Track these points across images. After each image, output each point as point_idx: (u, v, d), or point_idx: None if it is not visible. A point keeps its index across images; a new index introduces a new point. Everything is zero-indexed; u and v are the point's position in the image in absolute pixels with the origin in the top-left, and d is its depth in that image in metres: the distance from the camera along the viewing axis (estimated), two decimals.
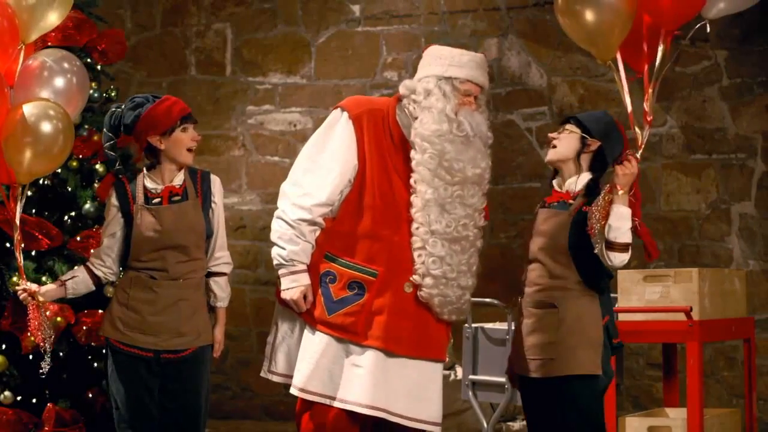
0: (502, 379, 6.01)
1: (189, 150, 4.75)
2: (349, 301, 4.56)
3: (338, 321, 4.56)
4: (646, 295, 5.84)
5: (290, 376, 4.67)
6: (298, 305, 4.58)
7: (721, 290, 5.98)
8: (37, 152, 4.70)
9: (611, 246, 4.35)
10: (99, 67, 6.25)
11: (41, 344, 4.83)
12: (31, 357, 5.68)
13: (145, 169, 4.82)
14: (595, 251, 4.38)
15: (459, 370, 6.76)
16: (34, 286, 4.80)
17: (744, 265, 7.48)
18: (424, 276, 4.54)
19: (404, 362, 4.58)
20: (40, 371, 4.92)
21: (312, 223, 4.60)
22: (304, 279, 4.59)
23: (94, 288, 4.91)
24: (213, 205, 4.82)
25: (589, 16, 4.68)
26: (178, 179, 4.81)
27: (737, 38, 7.57)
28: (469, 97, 4.63)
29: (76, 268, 4.95)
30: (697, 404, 5.58)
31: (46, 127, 4.69)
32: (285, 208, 4.64)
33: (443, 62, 4.65)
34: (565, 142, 4.55)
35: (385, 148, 4.62)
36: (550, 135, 4.58)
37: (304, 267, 4.61)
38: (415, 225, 4.56)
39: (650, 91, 4.52)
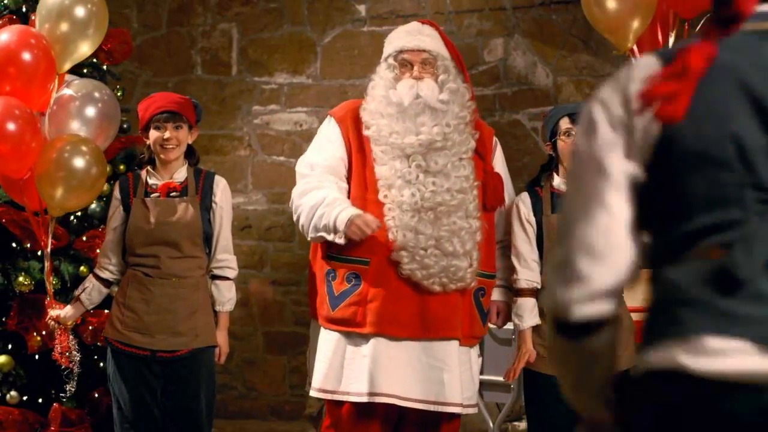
0: None
1: (163, 147, 4.78)
2: (348, 293, 4.58)
3: (341, 315, 4.58)
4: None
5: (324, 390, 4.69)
6: (364, 226, 4.44)
7: None
8: (70, 187, 4.81)
9: None
10: (105, 67, 6.27)
11: (69, 367, 4.90)
12: (37, 357, 5.69)
13: (148, 165, 4.87)
14: None
15: None
16: (55, 313, 4.86)
17: None
18: (400, 250, 4.53)
19: (409, 345, 4.55)
20: (63, 395, 5.01)
21: (323, 170, 4.63)
22: (350, 209, 4.49)
23: (107, 291, 4.96)
24: (213, 204, 4.83)
25: (612, 4, 4.78)
26: (180, 176, 4.84)
27: None
28: (407, 66, 4.67)
29: (85, 280, 5.00)
30: None
31: (79, 162, 4.80)
32: (295, 193, 4.67)
33: (385, 47, 4.77)
34: None
35: (364, 139, 4.68)
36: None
37: (345, 204, 4.53)
38: (385, 204, 4.57)
39: None
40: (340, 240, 4.48)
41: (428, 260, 4.51)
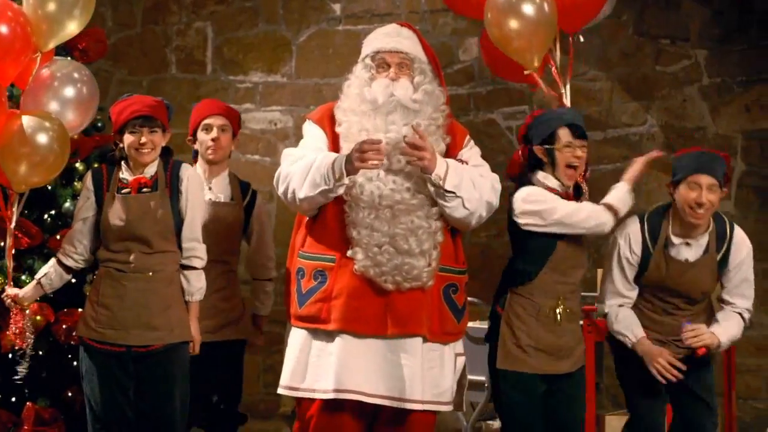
0: (483, 378, 6.01)
1: (138, 150, 4.77)
2: (314, 290, 4.60)
3: (307, 312, 4.60)
4: None
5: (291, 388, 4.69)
6: (367, 146, 4.45)
7: None
8: (33, 163, 4.81)
9: None
10: None
11: (22, 347, 4.87)
12: (10, 356, 5.67)
13: (123, 161, 4.87)
14: None
15: None
16: (12, 291, 4.84)
17: None
18: (355, 247, 4.55)
19: (373, 342, 4.56)
20: (16, 376, 4.97)
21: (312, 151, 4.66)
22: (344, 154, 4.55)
23: (69, 277, 4.95)
24: (180, 192, 4.81)
25: (516, 28, 5.01)
26: (150, 171, 4.84)
27: (717, 37, 7.60)
28: (383, 67, 4.69)
29: (46, 264, 4.98)
30: None
31: (42, 138, 4.79)
32: (284, 165, 4.68)
33: (363, 47, 4.80)
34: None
35: (337, 137, 4.70)
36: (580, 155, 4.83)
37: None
38: (346, 202, 4.59)
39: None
40: (339, 186, 4.50)
41: (381, 257, 4.52)
